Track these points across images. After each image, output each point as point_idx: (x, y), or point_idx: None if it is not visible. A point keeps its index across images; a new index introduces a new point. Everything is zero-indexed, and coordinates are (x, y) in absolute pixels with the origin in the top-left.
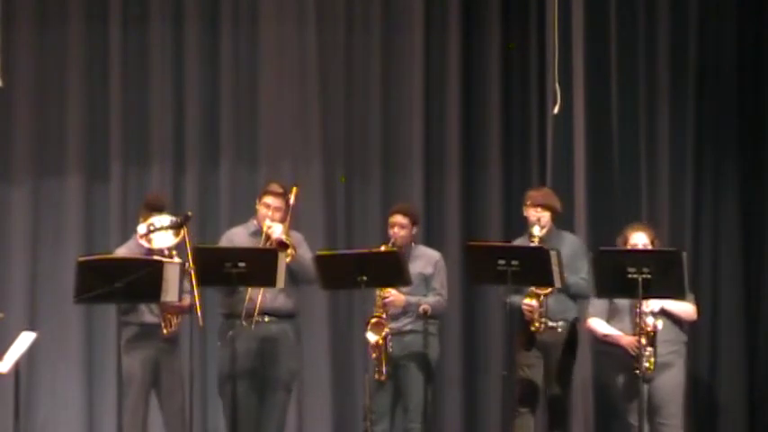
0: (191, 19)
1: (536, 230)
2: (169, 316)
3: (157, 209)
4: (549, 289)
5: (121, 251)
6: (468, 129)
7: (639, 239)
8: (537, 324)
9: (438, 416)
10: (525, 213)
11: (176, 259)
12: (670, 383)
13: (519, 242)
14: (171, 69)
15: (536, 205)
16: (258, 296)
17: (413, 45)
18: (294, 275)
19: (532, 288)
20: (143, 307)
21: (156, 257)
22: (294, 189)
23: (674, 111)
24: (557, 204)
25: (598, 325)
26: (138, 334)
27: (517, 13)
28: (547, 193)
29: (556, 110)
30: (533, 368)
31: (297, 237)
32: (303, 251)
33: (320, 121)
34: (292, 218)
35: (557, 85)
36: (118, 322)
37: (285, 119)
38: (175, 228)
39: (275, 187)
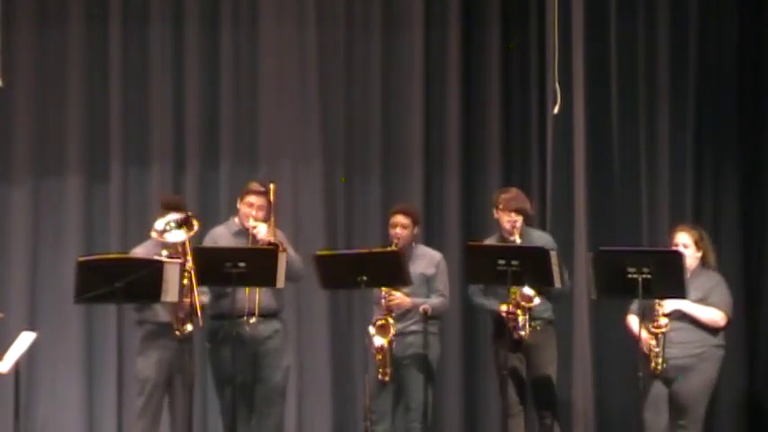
0: (191, 19)
1: (518, 240)
2: (181, 315)
3: (174, 208)
4: (536, 302)
5: (139, 251)
6: (468, 129)
7: (681, 239)
8: (522, 332)
9: (438, 416)
10: (496, 216)
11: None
12: (692, 387)
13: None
14: (171, 69)
15: (510, 210)
16: (255, 296)
17: (413, 45)
18: None
19: (517, 297)
20: (158, 306)
21: (166, 256)
22: (272, 186)
23: (674, 111)
24: (528, 206)
25: (633, 323)
26: (153, 333)
27: (517, 13)
28: (518, 195)
29: (556, 110)
30: (517, 370)
31: (279, 235)
32: (289, 250)
33: (320, 121)
34: (275, 215)
35: (557, 85)
36: (118, 322)
37: (285, 119)
38: (183, 226)
39: (257, 186)
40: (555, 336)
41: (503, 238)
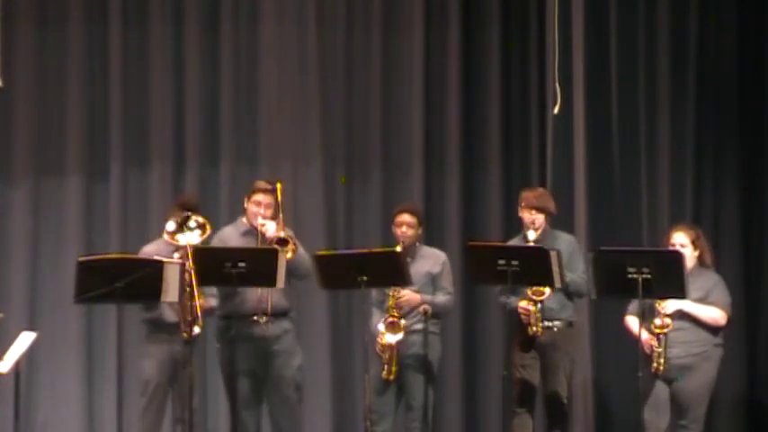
0: (191, 19)
1: (531, 235)
2: (189, 318)
3: (190, 208)
4: (546, 294)
5: (149, 249)
6: (468, 129)
7: (678, 239)
8: (534, 328)
9: (438, 416)
10: (520, 214)
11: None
12: (693, 386)
13: (514, 243)
14: (171, 69)
15: (530, 207)
16: (266, 295)
17: (413, 45)
18: (291, 272)
19: (528, 293)
20: (164, 304)
21: (178, 258)
22: (279, 184)
23: (674, 111)
24: (551, 206)
25: (632, 323)
26: (158, 333)
27: (517, 13)
28: (541, 194)
29: (556, 110)
30: (529, 368)
31: (288, 232)
32: (299, 247)
33: (320, 121)
34: (284, 213)
35: (557, 85)
36: (118, 322)
37: (285, 119)
38: (201, 228)
39: (263, 185)
40: (574, 338)
41: (525, 237)
